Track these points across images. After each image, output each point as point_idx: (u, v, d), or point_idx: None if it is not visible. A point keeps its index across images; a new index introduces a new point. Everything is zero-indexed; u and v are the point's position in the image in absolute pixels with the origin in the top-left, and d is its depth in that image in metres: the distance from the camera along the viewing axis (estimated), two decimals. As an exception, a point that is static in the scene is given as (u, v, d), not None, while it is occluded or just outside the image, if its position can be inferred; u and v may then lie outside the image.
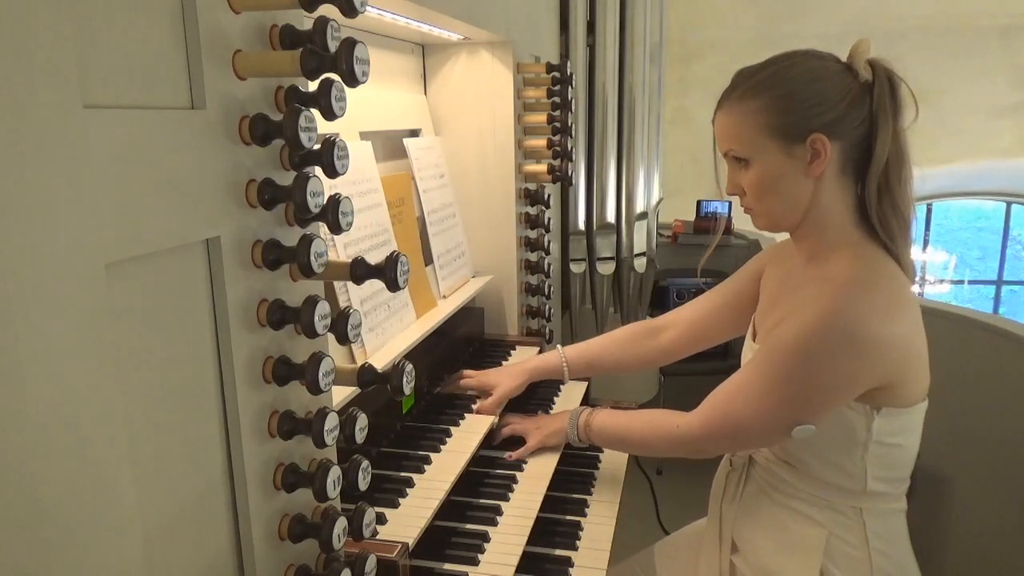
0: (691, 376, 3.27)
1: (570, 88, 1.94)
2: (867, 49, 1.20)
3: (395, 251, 0.81)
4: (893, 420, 1.21)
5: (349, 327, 0.79)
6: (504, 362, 1.79)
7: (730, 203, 3.57)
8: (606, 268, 2.94)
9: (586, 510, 1.50)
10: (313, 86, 0.73)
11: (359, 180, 1.33)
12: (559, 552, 1.36)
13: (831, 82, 1.19)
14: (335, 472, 0.80)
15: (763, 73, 1.22)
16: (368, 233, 1.32)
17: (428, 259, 1.65)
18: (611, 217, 2.90)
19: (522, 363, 1.67)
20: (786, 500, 1.30)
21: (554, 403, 1.76)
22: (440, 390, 1.58)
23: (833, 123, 1.18)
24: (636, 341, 1.66)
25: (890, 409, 1.19)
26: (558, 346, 1.71)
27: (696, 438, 1.29)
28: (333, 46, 0.71)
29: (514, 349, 1.87)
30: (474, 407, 1.53)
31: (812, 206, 1.23)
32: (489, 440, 1.51)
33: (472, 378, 1.60)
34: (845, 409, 1.19)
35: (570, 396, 1.80)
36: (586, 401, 1.83)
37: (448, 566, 1.18)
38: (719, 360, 3.37)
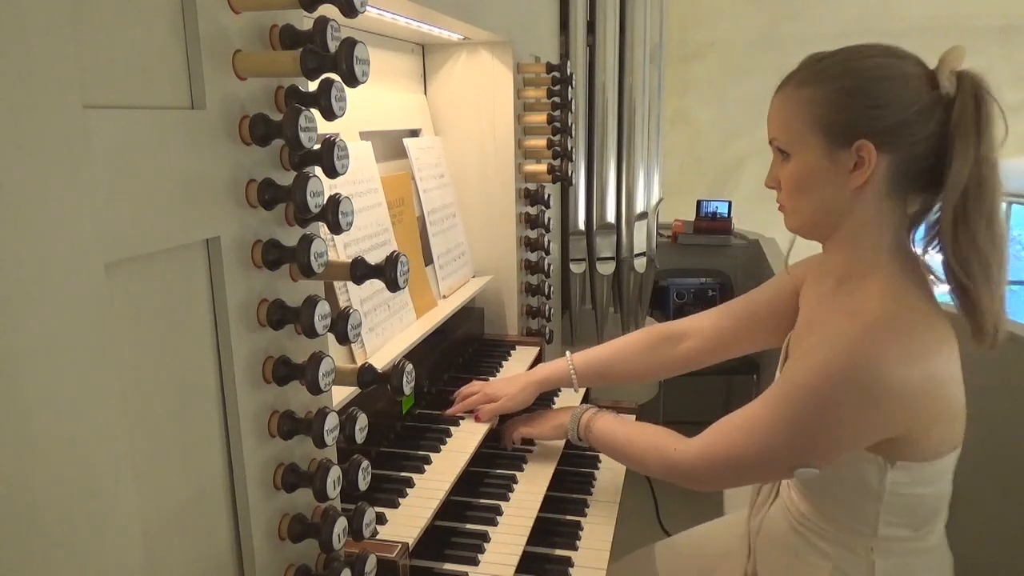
0: (691, 376, 3.27)
1: (570, 88, 1.94)
2: (959, 59, 1.08)
3: (395, 251, 0.81)
4: (912, 473, 1.12)
5: (349, 327, 0.79)
6: (504, 362, 1.79)
7: (729, 203, 3.58)
8: (606, 268, 2.94)
9: (586, 510, 1.50)
10: (313, 86, 0.73)
11: (359, 180, 1.33)
12: (559, 552, 1.36)
13: (901, 85, 1.07)
14: (335, 472, 0.80)
15: (831, 60, 1.12)
16: (368, 233, 1.32)
17: (428, 259, 1.65)
18: (611, 217, 2.90)
19: (529, 374, 1.57)
20: (797, 526, 1.26)
21: (554, 402, 1.76)
22: (446, 412, 1.50)
23: (888, 132, 1.07)
24: (653, 349, 1.54)
25: (907, 463, 1.11)
26: (567, 352, 1.59)
27: (692, 467, 1.21)
28: (333, 46, 0.71)
29: (514, 349, 1.87)
30: (476, 413, 1.48)
31: (846, 219, 1.13)
32: (489, 440, 1.50)
33: (477, 392, 1.51)
34: (857, 459, 1.12)
35: (570, 394, 1.80)
36: (586, 400, 1.83)
37: (448, 566, 1.17)
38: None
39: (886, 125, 1.07)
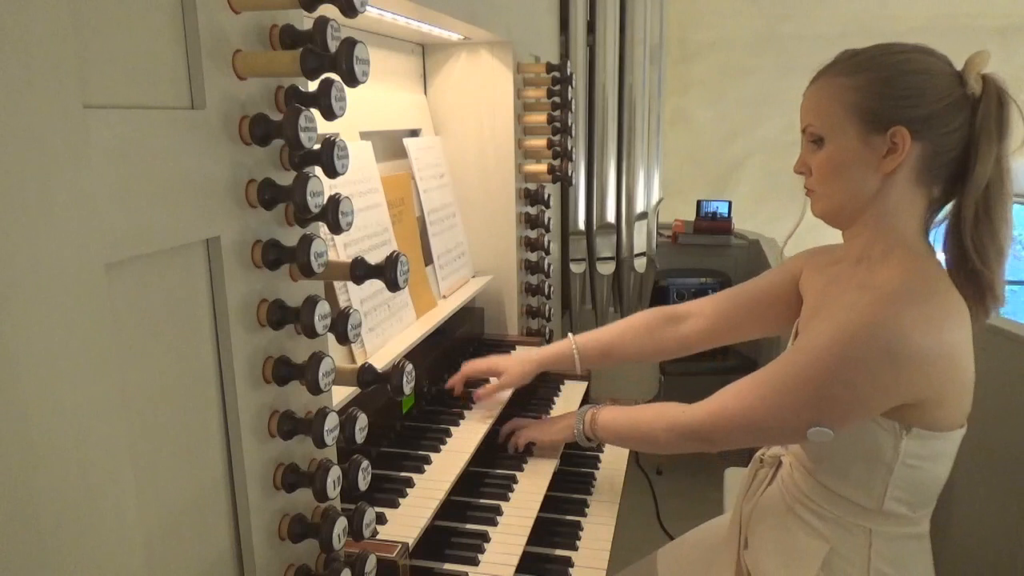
0: (691, 376, 3.28)
1: (570, 88, 1.94)
2: (984, 62, 1.14)
3: (395, 251, 0.81)
4: (924, 444, 1.14)
5: (349, 327, 0.79)
6: (504, 362, 1.79)
7: (729, 203, 3.58)
8: (606, 268, 2.94)
9: (586, 510, 1.50)
10: (313, 86, 0.73)
11: (359, 180, 1.33)
12: (559, 552, 1.36)
13: (933, 79, 1.13)
14: (335, 472, 0.80)
15: (865, 54, 1.18)
16: (368, 233, 1.32)
17: (428, 259, 1.65)
18: (611, 217, 2.90)
19: (531, 351, 1.64)
20: (796, 506, 1.27)
21: (554, 403, 1.76)
22: (444, 386, 1.56)
23: (921, 120, 1.12)
24: (655, 328, 1.58)
25: (921, 431, 1.13)
26: (569, 334, 1.64)
27: (703, 426, 1.23)
28: (333, 46, 0.71)
29: (514, 349, 1.87)
30: (475, 392, 1.53)
31: (874, 203, 1.17)
32: (489, 440, 1.51)
33: (480, 361, 1.56)
34: (873, 426, 1.13)
35: (570, 397, 1.80)
36: (586, 401, 1.83)
37: (448, 566, 1.18)
38: (719, 359, 3.38)
39: (919, 115, 1.12)
